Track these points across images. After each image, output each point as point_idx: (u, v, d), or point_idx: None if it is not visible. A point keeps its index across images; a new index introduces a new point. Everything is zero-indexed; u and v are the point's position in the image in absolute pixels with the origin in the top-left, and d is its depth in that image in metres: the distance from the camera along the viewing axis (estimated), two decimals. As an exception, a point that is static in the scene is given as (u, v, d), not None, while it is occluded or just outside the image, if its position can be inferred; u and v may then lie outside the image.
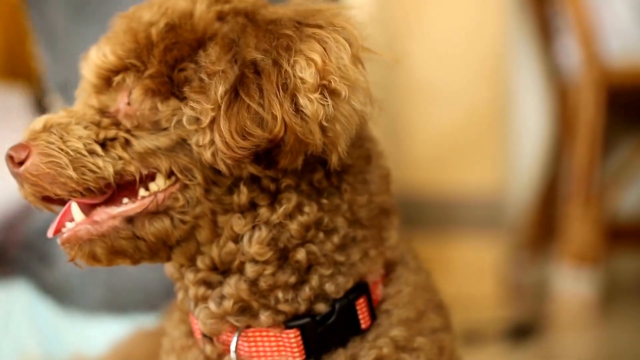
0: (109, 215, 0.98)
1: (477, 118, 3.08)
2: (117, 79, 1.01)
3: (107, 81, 1.02)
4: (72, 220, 0.99)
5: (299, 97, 0.93)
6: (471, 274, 3.01)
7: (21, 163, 0.96)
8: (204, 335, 1.04)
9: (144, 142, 0.99)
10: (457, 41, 3.08)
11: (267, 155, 0.94)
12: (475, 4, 3.08)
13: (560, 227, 3.17)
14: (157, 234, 0.99)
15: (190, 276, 1.03)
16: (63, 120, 0.99)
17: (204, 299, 1.02)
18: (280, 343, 1.01)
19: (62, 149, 0.96)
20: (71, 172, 0.96)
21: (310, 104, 0.93)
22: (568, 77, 3.27)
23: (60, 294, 1.63)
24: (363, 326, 1.03)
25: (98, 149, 0.98)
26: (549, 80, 3.49)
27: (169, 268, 1.06)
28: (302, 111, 0.93)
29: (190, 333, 1.07)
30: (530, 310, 2.90)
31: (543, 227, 3.43)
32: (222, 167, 0.96)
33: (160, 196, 0.98)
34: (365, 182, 1.04)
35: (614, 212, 3.42)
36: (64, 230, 0.99)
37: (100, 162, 0.97)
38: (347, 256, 1.03)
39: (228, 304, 1.00)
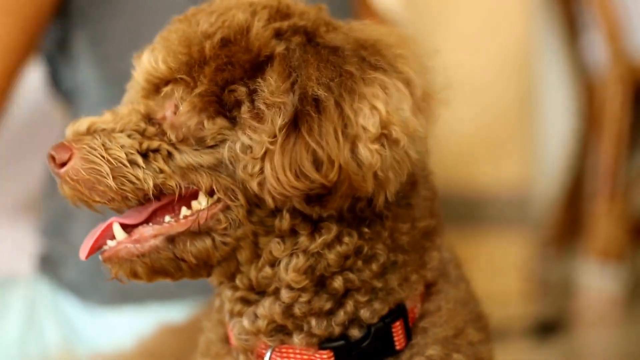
0: (150, 235, 0.98)
1: (503, 115, 3.07)
2: (166, 89, 0.99)
3: (156, 88, 1.01)
4: (113, 237, 0.99)
5: (359, 146, 0.91)
6: (497, 270, 3.01)
7: (63, 164, 0.96)
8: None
9: (186, 157, 0.97)
10: (482, 38, 3.08)
11: (318, 197, 0.93)
12: (501, 1, 3.07)
13: (586, 224, 3.17)
14: (198, 254, 0.97)
15: (228, 293, 1.02)
16: (108, 126, 0.98)
17: (239, 314, 1.02)
18: None
19: (103, 157, 0.95)
20: (110, 182, 0.95)
21: (369, 153, 0.91)
22: (594, 74, 3.25)
23: (75, 289, 1.64)
24: (397, 347, 1.02)
25: (139, 159, 0.96)
26: (575, 77, 3.48)
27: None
28: (359, 159, 0.91)
29: (226, 339, 1.07)
30: (556, 307, 2.90)
31: (569, 224, 3.42)
32: (268, 199, 0.94)
33: (203, 216, 0.97)
34: (409, 206, 1.02)
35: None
36: (105, 247, 0.98)
37: (140, 174, 0.96)
38: (386, 282, 1.01)
39: (262, 323, 1.00)
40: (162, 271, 0.99)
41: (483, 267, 2.98)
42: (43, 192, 1.73)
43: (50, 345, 1.62)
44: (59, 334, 1.64)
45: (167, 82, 1.00)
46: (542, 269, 3.28)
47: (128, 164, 0.96)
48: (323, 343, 1.00)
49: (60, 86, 1.72)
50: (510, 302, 2.92)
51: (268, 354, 1.01)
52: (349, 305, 1.00)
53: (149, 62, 1.00)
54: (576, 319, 2.88)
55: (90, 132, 0.98)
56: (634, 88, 3.01)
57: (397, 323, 1.01)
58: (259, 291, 1.00)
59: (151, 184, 0.96)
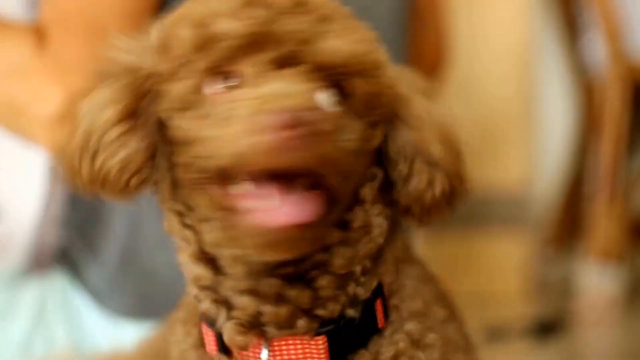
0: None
1: (502, 115, 3.08)
2: None
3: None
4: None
5: None
6: (496, 270, 3.01)
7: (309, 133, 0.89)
8: (220, 350, 1.02)
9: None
10: (482, 38, 3.08)
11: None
12: (501, 1, 3.08)
13: (586, 224, 3.17)
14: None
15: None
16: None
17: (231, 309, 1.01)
18: (307, 350, 1.01)
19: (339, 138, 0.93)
20: (345, 161, 0.93)
21: None
22: (594, 74, 3.26)
23: (93, 293, 1.65)
24: (380, 325, 1.03)
25: None
26: (575, 77, 3.48)
27: (191, 275, 1.03)
28: None
29: (198, 346, 1.06)
30: (555, 307, 2.90)
31: (568, 224, 3.42)
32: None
33: None
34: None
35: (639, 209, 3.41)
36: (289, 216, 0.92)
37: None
38: (374, 261, 1.04)
39: (283, 311, 0.99)
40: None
41: (482, 267, 2.99)
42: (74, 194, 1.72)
43: (57, 344, 1.62)
44: (67, 333, 1.64)
45: (337, 69, 0.96)
46: (541, 269, 3.28)
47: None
48: (319, 328, 1.01)
49: None
50: (509, 302, 2.92)
51: (265, 351, 1.02)
52: (351, 287, 1.01)
53: (337, 43, 0.97)
54: (576, 319, 2.88)
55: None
56: (634, 88, 3.01)
57: (378, 301, 1.03)
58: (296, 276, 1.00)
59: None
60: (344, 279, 1.01)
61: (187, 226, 1.01)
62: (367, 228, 1.02)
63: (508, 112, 3.09)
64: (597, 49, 3.18)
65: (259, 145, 0.88)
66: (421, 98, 1.05)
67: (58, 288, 1.66)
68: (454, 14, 3.13)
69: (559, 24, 3.49)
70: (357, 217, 1.01)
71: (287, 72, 0.94)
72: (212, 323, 1.03)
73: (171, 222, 1.03)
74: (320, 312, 1.00)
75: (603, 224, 3.04)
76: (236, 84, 0.95)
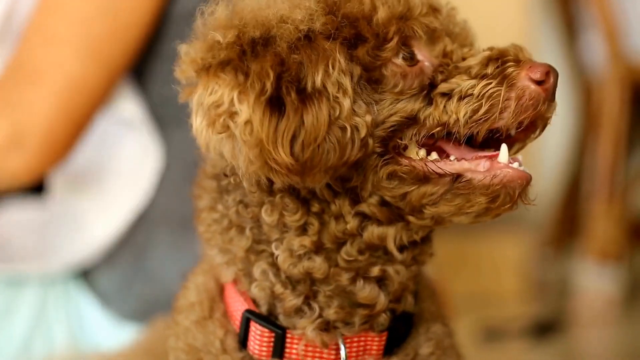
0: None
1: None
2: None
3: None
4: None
5: None
6: (495, 270, 3.01)
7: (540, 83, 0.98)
8: (275, 352, 1.01)
9: None
10: (482, 38, 3.08)
11: None
12: (500, 2, 3.08)
13: (584, 224, 3.17)
14: None
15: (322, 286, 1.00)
16: None
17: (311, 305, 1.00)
18: (368, 346, 1.01)
19: None
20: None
21: None
22: (592, 74, 3.26)
23: (102, 296, 1.65)
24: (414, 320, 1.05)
25: None
26: (574, 77, 3.48)
27: (299, 269, 0.99)
28: None
29: (234, 349, 1.03)
30: (554, 307, 2.90)
31: (567, 224, 3.43)
32: None
33: None
34: None
35: (638, 209, 3.41)
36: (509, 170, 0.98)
37: None
38: None
39: (361, 311, 0.99)
40: None
41: (481, 267, 2.99)
42: None
43: (57, 344, 1.62)
44: (68, 333, 1.64)
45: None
46: (540, 269, 3.28)
47: None
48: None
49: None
50: (508, 302, 2.92)
51: (343, 348, 1.00)
52: (411, 282, 1.02)
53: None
54: (574, 319, 2.89)
55: None
56: (632, 88, 3.01)
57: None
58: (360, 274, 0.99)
59: None
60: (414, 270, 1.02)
61: (313, 214, 0.98)
62: None
63: (507, 112, 3.09)
64: (595, 49, 3.19)
65: (538, 94, 0.98)
66: None
67: (59, 288, 1.66)
68: (452, 14, 3.13)
69: (558, 24, 3.49)
70: None
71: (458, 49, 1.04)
72: (273, 323, 1.01)
73: (287, 209, 0.98)
74: (398, 306, 1.01)
75: (601, 224, 3.04)
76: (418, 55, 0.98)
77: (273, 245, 0.99)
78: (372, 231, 0.96)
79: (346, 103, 0.91)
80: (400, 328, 1.02)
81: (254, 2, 0.98)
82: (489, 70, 0.96)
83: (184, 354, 1.06)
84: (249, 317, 1.02)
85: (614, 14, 3.01)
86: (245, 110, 0.90)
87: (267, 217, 0.98)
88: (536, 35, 3.35)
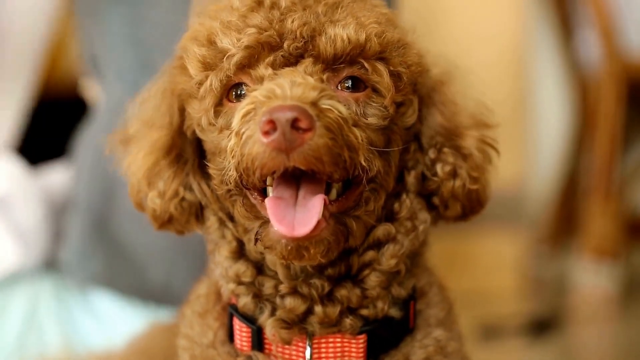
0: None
1: (497, 113, 3.07)
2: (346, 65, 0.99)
3: (335, 60, 0.99)
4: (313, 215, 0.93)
5: None
6: (491, 268, 3.01)
7: (298, 129, 0.88)
8: (254, 346, 1.03)
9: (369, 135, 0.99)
10: (478, 37, 3.08)
11: None
12: (496, 0, 3.08)
13: (580, 221, 3.17)
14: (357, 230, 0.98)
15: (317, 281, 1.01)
16: (318, 94, 0.92)
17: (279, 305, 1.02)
18: (346, 348, 1.01)
19: (343, 130, 0.91)
20: (347, 154, 0.91)
21: None
22: (588, 71, 3.26)
23: (98, 279, 1.67)
24: (411, 326, 1.05)
25: (359, 134, 0.94)
26: (570, 75, 3.48)
27: (230, 272, 1.04)
28: None
29: (223, 341, 1.06)
30: (550, 304, 2.90)
31: (563, 221, 3.43)
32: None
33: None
34: None
35: (634, 206, 3.42)
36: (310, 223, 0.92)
37: (362, 149, 0.93)
38: (412, 260, 1.06)
39: (332, 310, 1.00)
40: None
41: (478, 265, 2.99)
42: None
43: (49, 345, 1.62)
44: (60, 333, 1.64)
45: (348, 56, 0.96)
46: (536, 267, 3.28)
47: (361, 139, 0.93)
48: (362, 327, 1.02)
49: (90, 57, 1.73)
50: (504, 300, 2.92)
51: (309, 349, 1.01)
52: (395, 284, 1.03)
53: (343, 32, 0.96)
54: (570, 316, 2.89)
55: (317, 99, 0.91)
56: (628, 86, 3.01)
57: (411, 303, 1.05)
58: (336, 277, 1.00)
59: (363, 159, 0.93)
60: (390, 278, 1.02)
61: (226, 226, 1.03)
62: (413, 222, 1.02)
63: (503, 110, 3.08)
64: (591, 47, 3.19)
65: (262, 148, 0.88)
66: (457, 82, 1.05)
67: (49, 289, 1.67)
68: (448, 14, 3.13)
69: (554, 22, 3.49)
70: (403, 207, 1.02)
71: (291, 69, 0.95)
72: (248, 319, 1.03)
73: (208, 222, 1.06)
74: (366, 311, 1.01)
75: (598, 221, 3.04)
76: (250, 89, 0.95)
77: (217, 252, 1.06)
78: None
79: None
80: (383, 333, 1.02)
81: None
82: (242, 124, 0.93)
83: (185, 341, 1.10)
84: (231, 312, 1.04)
85: (610, 12, 3.01)
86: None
87: (213, 230, 1.07)
88: (532, 33, 3.35)
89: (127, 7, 1.62)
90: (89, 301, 1.69)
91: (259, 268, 1.02)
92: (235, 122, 0.92)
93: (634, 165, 3.39)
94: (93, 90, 1.79)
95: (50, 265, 1.72)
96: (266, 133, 0.87)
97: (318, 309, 1.00)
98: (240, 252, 1.02)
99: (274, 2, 0.97)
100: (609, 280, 3.00)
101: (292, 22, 0.95)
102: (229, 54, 0.95)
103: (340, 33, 0.95)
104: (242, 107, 0.92)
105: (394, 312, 1.03)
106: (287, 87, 0.91)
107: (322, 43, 0.95)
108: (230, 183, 0.95)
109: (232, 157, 0.91)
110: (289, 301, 1.00)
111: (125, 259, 1.63)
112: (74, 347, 1.62)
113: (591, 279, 3.02)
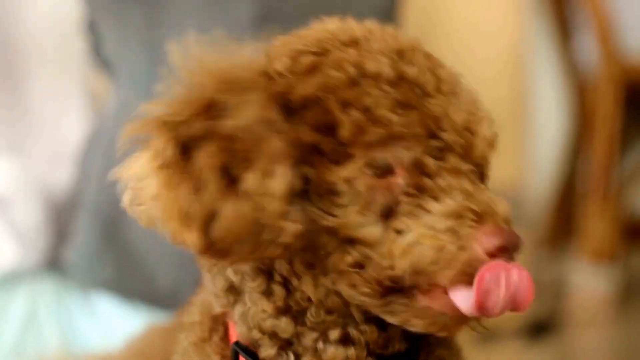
0: None
1: (495, 115, 3.08)
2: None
3: None
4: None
5: None
6: (489, 270, 3.01)
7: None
8: None
9: None
10: (475, 39, 3.09)
11: None
12: (493, 2, 3.08)
13: (579, 224, 3.17)
14: None
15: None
16: None
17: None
18: None
19: None
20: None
21: None
22: (586, 74, 3.26)
23: (71, 270, 1.66)
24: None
25: None
26: (567, 77, 3.49)
27: (266, 326, 0.95)
28: None
29: None
30: (548, 307, 2.90)
31: (561, 224, 3.43)
32: None
33: None
34: None
35: (632, 209, 3.42)
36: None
37: None
38: None
39: (352, 352, 0.95)
40: None
41: (476, 267, 2.99)
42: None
43: (49, 346, 1.63)
44: (59, 334, 1.65)
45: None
46: (534, 270, 3.28)
47: None
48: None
49: (101, 54, 1.73)
50: (502, 303, 2.92)
51: None
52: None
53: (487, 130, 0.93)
54: (569, 319, 2.89)
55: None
56: (626, 88, 3.02)
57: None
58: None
59: None
60: None
61: (276, 282, 0.93)
62: None
63: (500, 112, 3.08)
64: (589, 49, 3.19)
65: (466, 263, 0.84)
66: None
67: (49, 289, 1.67)
68: (446, 16, 3.13)
69: (551, 24, 3.49)
70: None
71: (461, 168, 0.89)
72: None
73: (246, 274, 0.94)
74: (385, 351, 0.97)
75: (596, 224, 3.04)
76: (401, 177, 0.87)
77: (246, 296, 0.95)
78: (335, 300, 0.92)
79: (273, 207, 0.83)
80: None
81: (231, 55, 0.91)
82: (447, 223, 0.86)
83: None
84: (237, 350, 0.99)
85: (608, 14, 3.02)
86: (154, 186, 0.86)
87: (232, 276, 0.94)
88: (529, 36, 3.35)
89: (145, 8, 1.62)
90: (89, 302, 1.69)
91: (299, 321, 0.95)
92: (430, 219, 0.86)
93: (632, 167, 3.40)
94: (103, 90, 1.80)
95: (51, 265, 1.71)
96: (498, 249, 0.86)
97: (350, 352, 0.95)
98: (286, 308, 0.93)
99: (416, 80, 0.90)
100: (607, 282, 3.00)
101: (436, 106, 0.90)
102: (387, 123, 0.88)
103: (486, 132, 0.94)
104: (449, 208, 0.87)
105: (403, 346, 1.02)
106: (494, 208, 0.88)
107: (477, 142, 0.92)
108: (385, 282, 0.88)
109: (432, 254, 0.85)
110: (332, 350, 0.96)
111: (134, 264, 1.63)
112: (73, 349, 1.62)
113: (589, 282, 3.02)
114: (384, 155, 0.86)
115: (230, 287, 0.96)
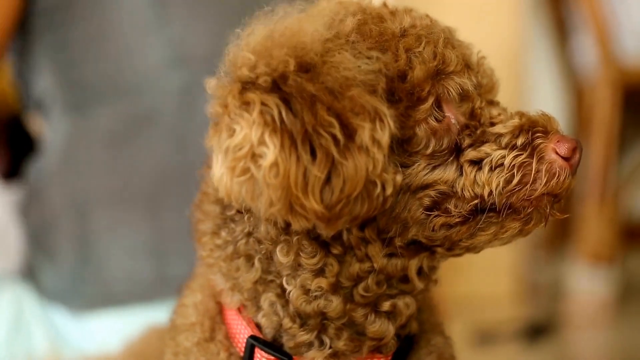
0: None
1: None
2: None
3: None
4: None
5: None
6: (487, 273, 3.01)
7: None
8: None
9: None
10: (473, 41, 3.08)
11: None
12: (491, 4, 3.08)
13: (576, 227, 3.17)
14: None
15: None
16: None
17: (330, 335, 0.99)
18: None
19: None
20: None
21: None
22: (584, 77, 3.26)
23: (57, 296, 1.65)
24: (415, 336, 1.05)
25: None
26: (565, 80, 3.49)
27: (313, 307, 0.96)
28: None
29: None
30: (546, 309, 2.90)
31: (559, 227, 3.43)
32: None
33: None
34: None
35: (630, 211, 3.42)
36: None
37: None
38: None
39: (369, 342, 0.99)
40: None
41: (473, 270, 2.99)
42: (23, 204, 1.73)
43: (37, 349, 1.62)
44: (46, 337, 1.64)
45: None
46: (532, 272, 3.29)
47: None
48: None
49: (30, 96, 1.74)
50: (501, 305, 2.92)
51: None
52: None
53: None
54: (566, 321, 2.89)
55: None
56: (623, 91, 3.02)
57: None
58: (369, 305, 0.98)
59: None
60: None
61: (333, 255, 0.95)
62: None
63: (498, 115, 3.09)
64: (587, 51, 3.19)
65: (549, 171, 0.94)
66: None
67: (32, 294, 1.67)
68: (443, 18, 3.13)
69: (549, 26, 3.49)
70: None
71: (495, 100, 1.02)
72: (279, 350, 0.99)
73: (304, 251, 0.94)
74: (403, 331, 1.00)
75: (593, 226, 3.04)
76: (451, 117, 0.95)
77: (284, 280, 0.96)
78: (396, 264, 0.95)
79: (381, 159, 0.88)
80: (405, 347, 1.02)
81: (291, 24, 0.93)
82: (519, 140, 0.94)
83: None
84: (253, 343, 1.00)
85: (605, 17, 3.02)
86: (272, 152, 0.85)
87: (282, 257, 0.95)
88: (527, 38, 3.36)
89: (53, 43, 1.64)
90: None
91: (348, 298, 0.97)
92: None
93: (629, 170, 3.40)
94: (38, 125, 1.80)
95: (28, 273, 1.70)
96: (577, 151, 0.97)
97: (391, 331, 0.98)
98: (337, 285, 0.95)
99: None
100: (604, 285, 3.01)
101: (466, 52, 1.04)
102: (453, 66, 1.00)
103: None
104: (514, 125, 0.97)
105: (415, 327, 1.02)
106: (549, 119, 1.00)
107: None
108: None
109: (516, 172, 0.94)
110: (377, 324, 0.97)
111: (111, 272, 1.63)
112: (62, 350, 1.62)
113: (587, 284, 3.02)
114: (452, 84, 0.95)
115: (261, 276, 0.97)
